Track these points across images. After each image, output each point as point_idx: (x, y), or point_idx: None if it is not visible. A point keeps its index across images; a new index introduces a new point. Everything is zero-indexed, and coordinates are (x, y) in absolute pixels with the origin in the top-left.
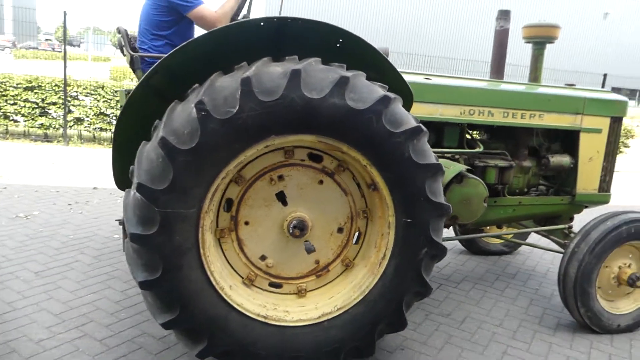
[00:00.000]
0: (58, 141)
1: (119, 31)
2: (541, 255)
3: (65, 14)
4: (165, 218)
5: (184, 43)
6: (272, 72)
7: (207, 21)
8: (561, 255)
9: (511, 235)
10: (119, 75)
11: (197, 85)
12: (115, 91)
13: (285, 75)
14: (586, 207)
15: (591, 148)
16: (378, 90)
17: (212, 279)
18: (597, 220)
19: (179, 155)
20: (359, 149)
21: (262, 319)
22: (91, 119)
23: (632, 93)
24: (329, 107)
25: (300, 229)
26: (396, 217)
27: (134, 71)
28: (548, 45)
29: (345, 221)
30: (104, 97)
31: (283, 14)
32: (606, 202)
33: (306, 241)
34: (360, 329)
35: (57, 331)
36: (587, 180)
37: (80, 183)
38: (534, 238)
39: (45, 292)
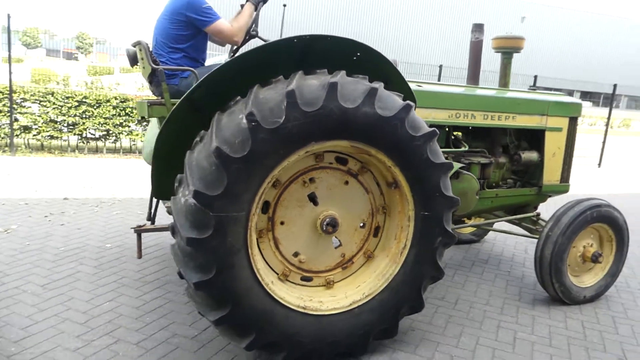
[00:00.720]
0: (4, 151)
1: (136, 45)
2: (505, 241)
3: (9, 16)
4: (219, 222)
5: (230, 60)
6: (311, 85)
7: (225, 35)
8: (529, 239)
9: (484, 224)
10: (41, 78)
11: (238, 97)
12: (67, 97)
13: (323, 87)
14: (550, 196)
15: (554, 145)
16: (399, 99)
17: (258, 276)
18: (565, 207)
19: (232, 163)
20: (385, 152)
21: (302, 310)
22: (40, 126)
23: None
24: (361, 116)
25: (332, 225)
26: (415, 211)
27: (151, 83)
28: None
29: (367, 217)
30: (54, 104)
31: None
32: (567, 191)
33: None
34: (386, 312)
35: (90, 339)
36: (551, 173)
37: (47, 194)
38: (500, 226)
39: (60, 303)
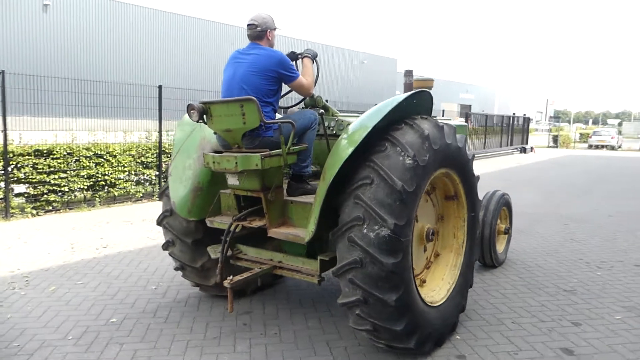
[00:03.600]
0: None
1: (241, 101)
2: None
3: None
4: (406, 246)
5: (388, 109)
6: (431, 128)
7: (304, 89)
8: None
9: None
10: None
11: (388, 139)
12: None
13: (438, 130)
14: None
15: None
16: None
17: (417, 285)
18: (487, 197)
19: (409, 196)
20: (458, 172)
21: (430, 304)
22: None
23: None
24: (453, 148)
25: (432, 235)
26: (467, 214)
27: (244, 137)
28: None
29: (434, 224)
30: None
31: None
32: None
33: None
34: (464, 292)
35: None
36: None
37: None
38: None
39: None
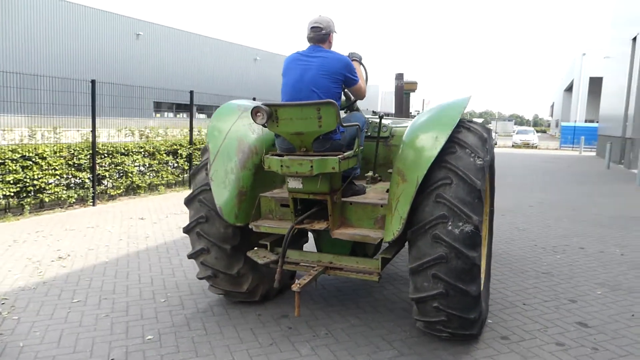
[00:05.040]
0: None
1: (319, 105)
2: None
3: None
4: (481, 240)
5: (459, 113)
6: (484, 131)
7: (362, 92)
8: None
9: None
10: None
11: (454, 142)
12: None
13: (488, 132)
14: None
15: None
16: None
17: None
18: None
19: (483, 194)
20: (490, 170)
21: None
22: None
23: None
24: (492, 155)
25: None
26: (490, 208)
27: (316, 140)
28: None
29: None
30: None
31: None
32: None
33: None
34: (489, 278)
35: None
36: None
37: None
38: None
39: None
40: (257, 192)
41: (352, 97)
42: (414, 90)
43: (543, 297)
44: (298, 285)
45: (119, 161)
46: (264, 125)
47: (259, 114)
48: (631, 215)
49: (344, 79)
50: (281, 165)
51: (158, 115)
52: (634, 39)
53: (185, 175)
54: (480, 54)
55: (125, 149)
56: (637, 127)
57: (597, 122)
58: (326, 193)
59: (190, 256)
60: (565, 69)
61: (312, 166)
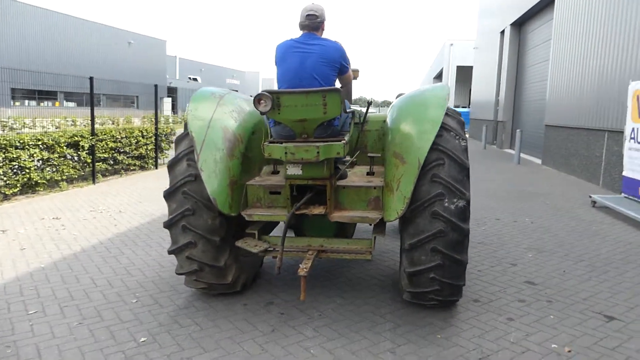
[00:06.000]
0: None
1: (323, 92)
2: None
3: None
4: (470, 213)
5: (445, 95)
6: (458, 115)
7: (350, 80)
8: None
9: None
10: None
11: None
12: None
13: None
14: None
15: None
16: None
17: None
18: None
19: (469, 172)
20: None
21: None
22: None
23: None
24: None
25: None
26: None
27: (320, 126)
28: None
29: None
30: None
31: None
32: None
33: None
34: None
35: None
36: None
37: None
38: None
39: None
40: (243, 181)
41: (341, 84)
42: (356, 78)
43: (489, 264)
44: (305, 269)
45: (14, 156)
46: (262, 113)
47: (262, 101)
48: (523, 189)
49: (340, 67)
50: (285, 152)
51: (17, 103)
52: (502, 32)
53: (88, 169)
54: (352, 40)
55: (21, 142)
56: (507, 112)
57: (465, 107)
58: (326, 178)
59: (172, 252)
60: (433, 57)
61: (318, 152)
